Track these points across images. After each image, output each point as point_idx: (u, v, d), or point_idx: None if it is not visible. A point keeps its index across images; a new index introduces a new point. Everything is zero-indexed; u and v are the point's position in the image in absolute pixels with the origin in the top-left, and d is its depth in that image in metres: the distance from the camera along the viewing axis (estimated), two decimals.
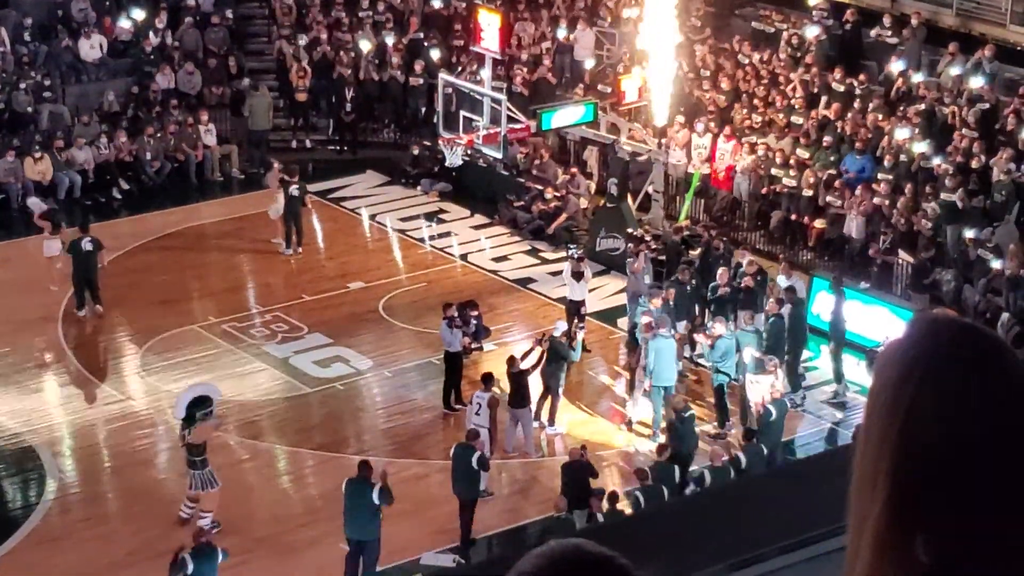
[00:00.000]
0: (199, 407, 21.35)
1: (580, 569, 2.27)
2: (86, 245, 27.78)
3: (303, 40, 36.37)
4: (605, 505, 20.75)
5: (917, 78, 30.82)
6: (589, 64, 34.18)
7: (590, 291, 27.48)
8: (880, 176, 28.85)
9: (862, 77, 31.27)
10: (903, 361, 2.36)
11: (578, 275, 26.71)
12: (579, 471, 21.58)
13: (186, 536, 19.98)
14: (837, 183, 29.03)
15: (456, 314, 24.92)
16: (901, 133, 29.17)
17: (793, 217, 29.79)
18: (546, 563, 2.28)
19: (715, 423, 24.47)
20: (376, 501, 19.97)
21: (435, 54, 35.48)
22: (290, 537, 21.39)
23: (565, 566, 2.28)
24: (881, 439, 2.35)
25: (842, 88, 31.34)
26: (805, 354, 25.61)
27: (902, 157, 28.99)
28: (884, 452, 2.34)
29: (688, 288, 26.08)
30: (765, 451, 22.01)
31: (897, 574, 2.31)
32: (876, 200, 28.28)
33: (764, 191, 30.35)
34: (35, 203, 30.57)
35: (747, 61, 33.03)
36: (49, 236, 28.65)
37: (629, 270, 27.13)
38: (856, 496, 2.39)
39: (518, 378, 23.57)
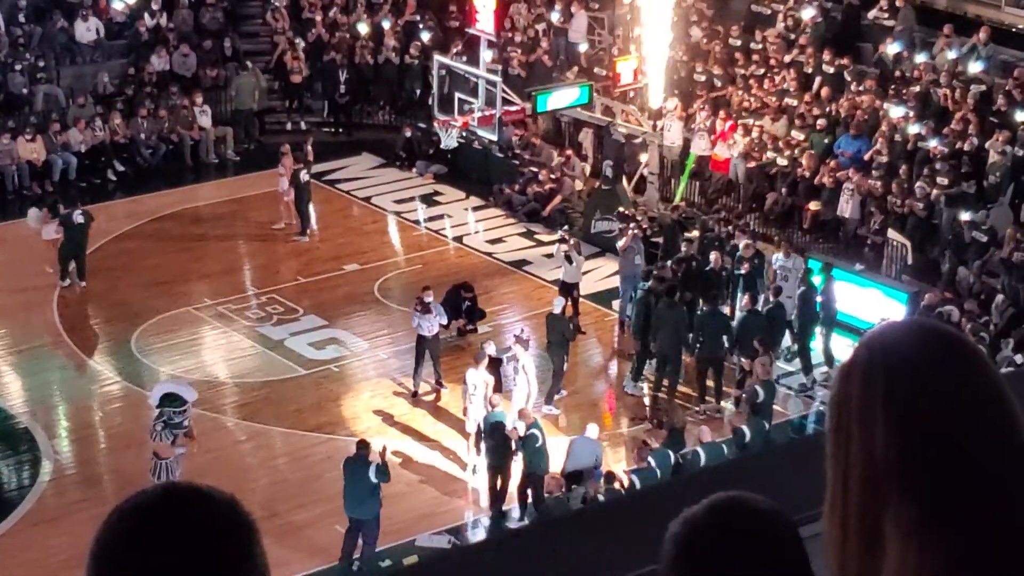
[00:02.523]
0: (170, 403, 21.16)
1: (742, 519, 2.39)
2: (77, 218, 27.97)
3: (297, 38, 36.35)
4: (602, 486, 20.77)
5: (918, 57, 30.83)
6: (584, 47, 34.13)
7: (584, 273, 27.47)
8: (875, 158, 28.87)
9: (846, 60, 31.27)
10: (882, 368, 2.41)
11: (568, 258, 26.75)
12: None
13: None
14: (832, 163, 29.05)
15: (428, 299, 24.65)
16: (896, 112, 29.19)
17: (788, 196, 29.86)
18: (710, 513, 2.39)
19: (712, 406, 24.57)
20: (373, 479, 20.05)
21: (430, 36, 35.46)
22: (285, 518, 21.39)
23: (728, 516, 2.39)
24: (866, 441, 2.38)
25: (832, 70, 31.36)
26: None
27: (896, 138, 29.02)
28: (890, 450, 2.36)
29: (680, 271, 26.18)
30: (767, 426, 22.05)
31: (915, 570, 2.32)
32: (871, 182, 28.31)
33: (762, 172, 30.38)
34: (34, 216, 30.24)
35: (739, 44, 33.01)
36: (47, 221, 28.61)
37: (618, 250, 27.25)
38: (848, 493, 2.41)
39: (492, 364, 23.54)
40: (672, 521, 2.39)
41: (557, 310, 24.88)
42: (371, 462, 20.24)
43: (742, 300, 25.35)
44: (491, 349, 23.53)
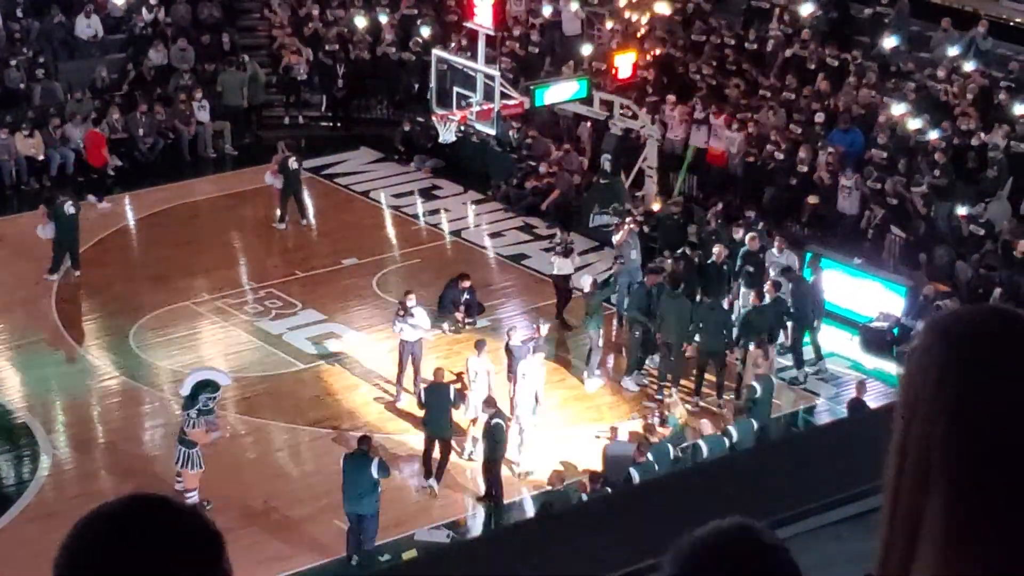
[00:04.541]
0: (205, 390, 21.35)
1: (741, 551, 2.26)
2: (68, 209, 28.00)
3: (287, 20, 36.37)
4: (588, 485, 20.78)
5: (906, 53, 30.87)
6: (589, 49, 33.82)
7: (584, 267, 27.56)
8: (874, 152, 28.85)
9: (855, 53, 31.29)
10: (952, 355, 2.28)
11: (568, 251, 26.90)
12: (619, 454, 21.44)
13: None
14: (830, 158, 29.01)
15: (410, 303, 24.49)
16: (898, 108, 29.18)
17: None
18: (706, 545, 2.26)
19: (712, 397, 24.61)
20: (376, 475, 20.03)
21: (428, 30, 35.45)
22: (284, 513, 21.43)
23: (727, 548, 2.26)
24: (931, 431, 2.26)
25: (835, 63, 31.36)
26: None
27: (897, 130, 29.00)
28: (948, 444, 2.24)
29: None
30: (756, 425, 22.07)
31: (964, 572, 2.22)
32: (869, 184, 28.24)
33: (760, 166, 30.35)
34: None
35: (734, 43, 33.01)
36: (45, 221, 28.59)
37: (614, 244, 27.35)
38: (902, 491, 2.30)
39: (512, 352, 23.60)
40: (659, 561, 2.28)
41: (587, 288, 25.18)
42: (372, 458, 20.25)
43: (745, 295, 25.36)
44: (515, 339, 23.62)
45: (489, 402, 21.99)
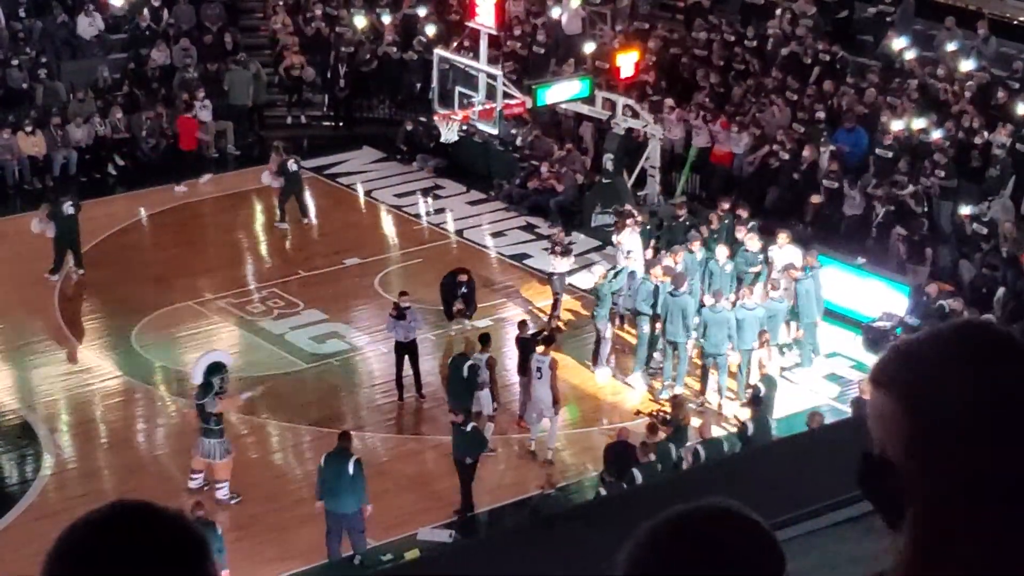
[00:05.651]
0: (215, 373, 21.42)
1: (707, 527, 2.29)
2: (67, 209, 28.11)
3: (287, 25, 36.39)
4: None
5: (909, 54, 30.80)
6: (591, 47, 33.79)
7: (581, 268, 27.62)
8: (878, 152, 28.82)
9: (835, 47, 31.27)
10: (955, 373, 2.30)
11: (566, 251, 26.95)
12: (622, 453, 21.46)
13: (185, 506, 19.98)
14: (832, 162, 28.95)
15: (404, 304, 24.45)
16: (901, 110, 29.12)
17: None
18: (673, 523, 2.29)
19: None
20: (351, 473, 19.94)
21: (430, 30, 35.46)
22: (286, 513, 21.41)
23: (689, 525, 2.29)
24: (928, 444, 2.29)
25: (827, 58, 31.36)
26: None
27: (898, 128, 28.95)
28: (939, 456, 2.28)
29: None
30: (771, 422, 22.04)
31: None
32: (870, 189, 28.19)
33: (764, 166, 30.33)
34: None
35: (733, 39, 32.98)
36: (45, 219, 28.61)
37: (615, 244, 27.38)
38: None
39: (525, 345, 23.61)
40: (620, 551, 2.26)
41: (597, 277, 25.28)
42: (351, 455, 20.17)
43: (742, 293, 25.36)
44: (529, 330, 23.63)
45: (455, 409, 21.89)
